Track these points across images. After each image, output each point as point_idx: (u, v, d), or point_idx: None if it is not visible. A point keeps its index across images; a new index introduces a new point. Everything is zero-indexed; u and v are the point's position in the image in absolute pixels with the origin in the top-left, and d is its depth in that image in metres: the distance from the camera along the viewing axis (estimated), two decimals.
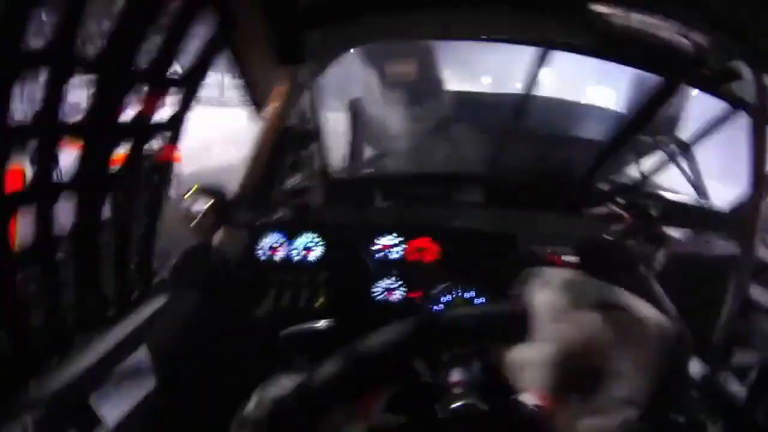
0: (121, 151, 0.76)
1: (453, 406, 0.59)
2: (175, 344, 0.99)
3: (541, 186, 1.88)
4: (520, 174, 2.02)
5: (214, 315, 1.18)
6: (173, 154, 0.93)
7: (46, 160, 0.57)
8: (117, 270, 0.87)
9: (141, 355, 0.87)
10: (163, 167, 0.92)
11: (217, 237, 1.26)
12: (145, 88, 0.71)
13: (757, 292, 1.37)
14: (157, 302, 0.99)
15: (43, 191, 0.60)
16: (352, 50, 1.85)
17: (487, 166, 1.91)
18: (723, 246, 1.62)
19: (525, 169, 2.15)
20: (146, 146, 0.81)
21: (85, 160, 0.65)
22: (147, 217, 0.92)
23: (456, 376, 0.66)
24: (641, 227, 1.39)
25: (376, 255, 1.35)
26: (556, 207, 1.63)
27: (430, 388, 0.64)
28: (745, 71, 1.08)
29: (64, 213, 0.67)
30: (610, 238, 1.35)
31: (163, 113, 0.81)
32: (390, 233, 1.35)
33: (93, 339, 0.80)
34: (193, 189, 1.13)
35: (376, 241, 1.35)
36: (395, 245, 1.35)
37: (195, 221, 1.10)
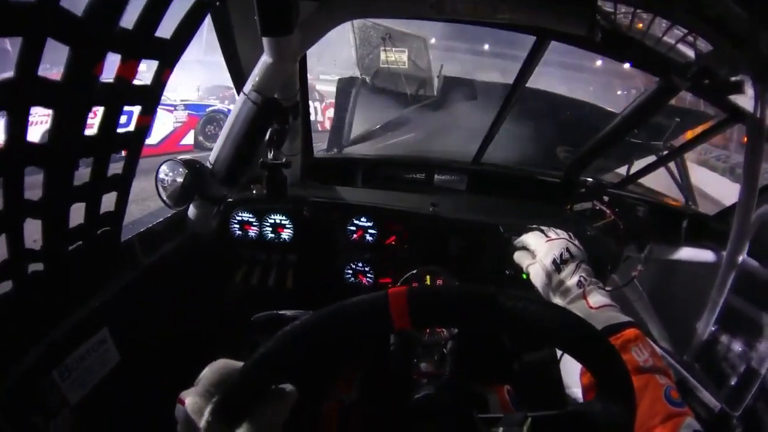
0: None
1: (416, 396, 0.60)
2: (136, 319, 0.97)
3: (526, 177, 1.90)
4: (504, 164, 2.03)
5: (184, 288, 1.16)
6: (148, 121, 0.89)
7: (17, 126, 0.54)
8: (86, 240, 0.84)
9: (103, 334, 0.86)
10: (137, 134, 0.88)
11: (191, 210, 1.24)
12: (125, 53, 0.67)
13: (737, 302, 1.37)
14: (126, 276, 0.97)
15: (13, 158, 0.57)
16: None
17: (471, 154, 1.89)
18: (706, 254, 1.68)
19: (511, 158, 2.16)
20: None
21: (58, 125, 0.61)
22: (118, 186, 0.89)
23: (424, 366, 0.70)
24: (623, 226, 1.38)
25: (351, 237, 1.34)
26: (539, 198, 1.62)
27: (400, 377, 0.66)
28: (747, 84, 1.09)
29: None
30: (590, 233, 1.31)
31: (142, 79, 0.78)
32: (366, 216, 1.33)
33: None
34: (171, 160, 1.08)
35: (351, 223, 1.33)
36: (370, 228, 1.34)
37: (169, 193, 1.07)
